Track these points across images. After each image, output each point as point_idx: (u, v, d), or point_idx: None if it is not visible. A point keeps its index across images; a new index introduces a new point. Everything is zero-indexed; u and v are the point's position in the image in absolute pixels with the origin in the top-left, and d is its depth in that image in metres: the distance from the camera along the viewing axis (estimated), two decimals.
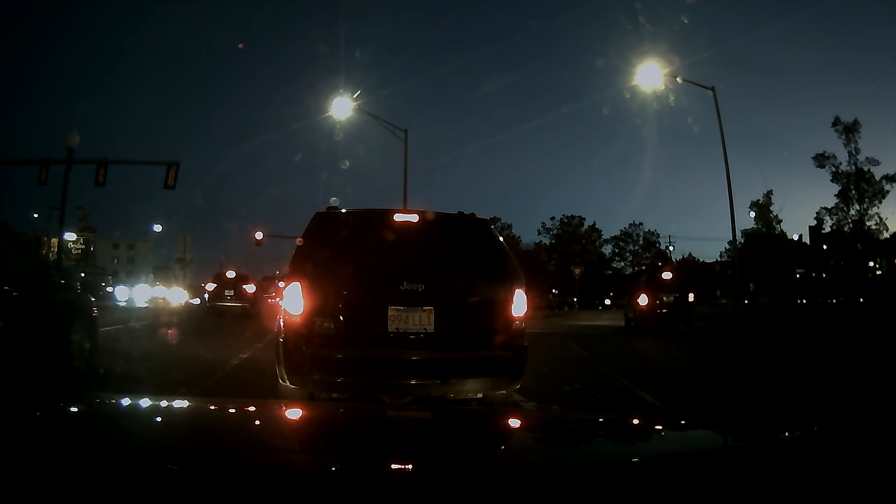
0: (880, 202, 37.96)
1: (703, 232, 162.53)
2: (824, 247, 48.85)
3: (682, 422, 2.23)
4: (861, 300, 35.41)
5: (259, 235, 39.85)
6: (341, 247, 4.98)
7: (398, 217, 5.09)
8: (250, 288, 23.36)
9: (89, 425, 1.67)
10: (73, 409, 1.88)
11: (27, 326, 5.92)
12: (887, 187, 37.62)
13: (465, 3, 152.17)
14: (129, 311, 25.26)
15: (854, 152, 37.77)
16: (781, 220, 44.82)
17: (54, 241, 34.66)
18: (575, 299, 60.65)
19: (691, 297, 18.01)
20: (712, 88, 21.74)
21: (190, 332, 12.18)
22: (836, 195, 39.08)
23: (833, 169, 38.37)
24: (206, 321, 18.54)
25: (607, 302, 67.99)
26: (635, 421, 2.31)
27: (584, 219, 78.19)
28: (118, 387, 6.68)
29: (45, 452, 1.21)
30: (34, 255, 6.91)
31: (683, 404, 6.49)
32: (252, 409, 2.26)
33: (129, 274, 73.32)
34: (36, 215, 46.12)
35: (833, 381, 8.24)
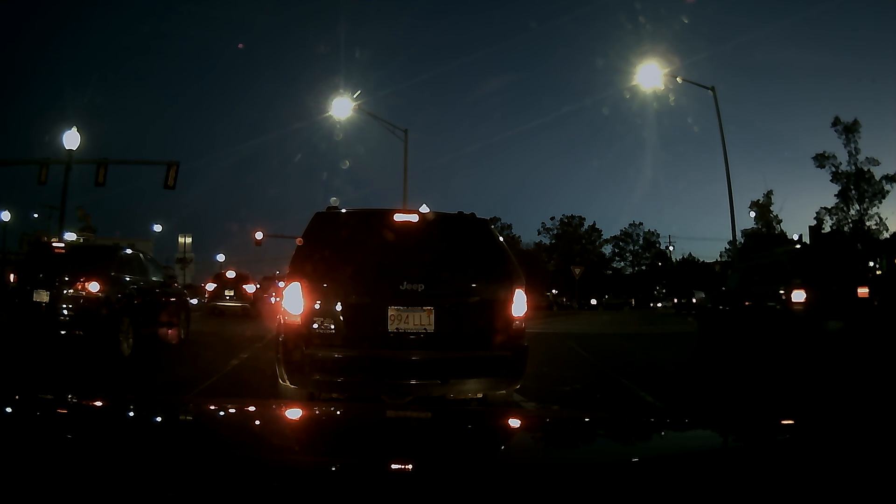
0: (880, 202, 37.95)
1: (703, 232, 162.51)
2: None
3: (682, 422, 2.23)
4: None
5: (259, 235, 39.93)
6: (341, 247, 4.98)
7: (398, 217, 5.09)
8: (250, 288, 23.34)
9: (89, 425, 1.67)
10: (74, 409, 1.88)
11: (163, 307, 11.00)
12: (887, 187, 37.61)
13: (464, 4, 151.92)
14: None
15: (854, 152, 37.77)
16: (781, 220, 44.93)
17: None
18: (564, 299, 61.04)
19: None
20: (712, 88, 21.73)
21: (188, 332, 12.24)
22: (836, 195, 39.08)
23: (833, 169, 38.36)
24: (205, 321, 18.54)
25: (593, 301, 68.48)
26: (635, 421, 2.31)
27: (584, 219, 78.39)
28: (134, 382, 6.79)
29: (46, 451, 1.21)
30: (162, 270, 12.41)
31: (683, 404, 6.49)
32: (252, 409, 2.27)
33: None
34: (36, 215, 46.16)
35: (833, 381, 8.24)
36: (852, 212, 38.64)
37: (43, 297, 8.71)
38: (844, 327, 10.23)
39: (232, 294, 22.85)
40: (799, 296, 10.52)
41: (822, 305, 10.41)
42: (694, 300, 37.22)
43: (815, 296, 10.45)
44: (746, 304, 12.09)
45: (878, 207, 38.06)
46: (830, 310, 10.36)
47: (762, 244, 43.84)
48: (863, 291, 10.67)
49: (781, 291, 10.78)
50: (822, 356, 10.05)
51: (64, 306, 8.63)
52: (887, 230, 39.04)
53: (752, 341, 11.47)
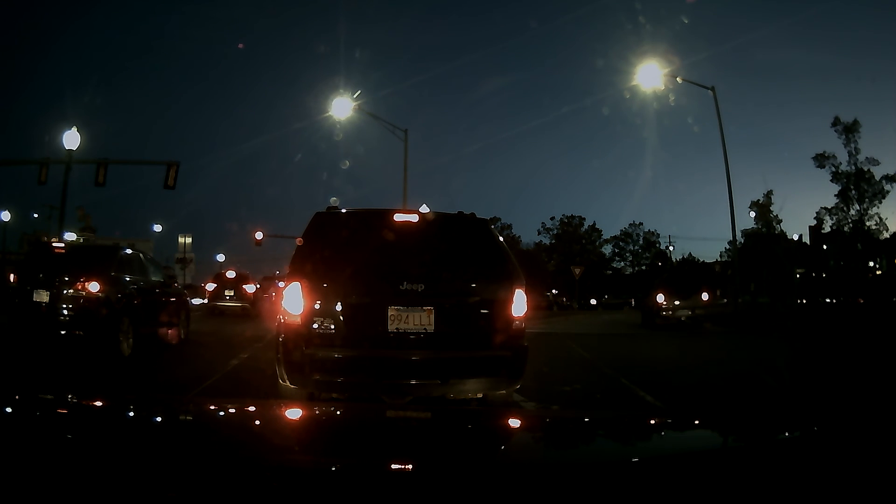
0: (880, 202, 37.86)
1: (703, 232, 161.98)
2: (824, 247, 48.79)
3: (682, 422, 2.23)
4: (861, 300, 35.43)
5: (259, 235, 39.92)
6: (341, 247, 4.98)
7: (398, 217, 5.09)
8: (250, 288, 23.33)
9: (89, 425, 1.67)
10: (74, 409, 1.88)
11: (163, 307, 10.98)
12: (887, 187, 37.50)
13: (464, 4, 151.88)
14: None
15: (854, 152, 37.66)
16: (781, 220, 44.71)
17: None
18: (564, 299, 61.17)
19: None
20: (712, 88, 21.76)
21: (188, 332, 12.24)
22: (836, 195, 38.98)
23: (833, 169, 38.26)
24: (205, 321, 18.54)
25: (593, 301, 68.63)
26: (635, 421, 2.31)
27: (584, 219, 78.33)
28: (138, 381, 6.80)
29: (46, 451, 1.21)
30: (162, 270, 12.41)
31: (683, 404, 6.49)
32: (252, 409, 2.27)
33: None
34: (36, 215, 46.16)
35: (833, 381, 8.24)
36: (852, 212, 38.57)
37: (43, 297, 8.73)
38: (691, 315, 19.03)
39: (232, 294, 22.83)
40: (660, 297, 19.82)
41: (674, 302, 19.48)
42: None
43: (669, 297, 19.52)
44: (648, 301, 21.41)
45: (878, 207, 37.99)
46: (682, 305, 19.34)
47: (762, 244, 43.89)
48: (705, 296, 19.54)
49: (653, 294, 20.37)
50: (677, 334, 17.02)
51: (64, 306, 8.64)
52: (887, 230, 39.01)
53: (649, 323, 20.43)
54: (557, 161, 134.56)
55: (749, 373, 9.42)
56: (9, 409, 1.74)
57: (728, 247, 49.81)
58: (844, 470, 1.26)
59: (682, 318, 19.00)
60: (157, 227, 56.65)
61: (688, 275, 28.07)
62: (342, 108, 23.47)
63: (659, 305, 19.57)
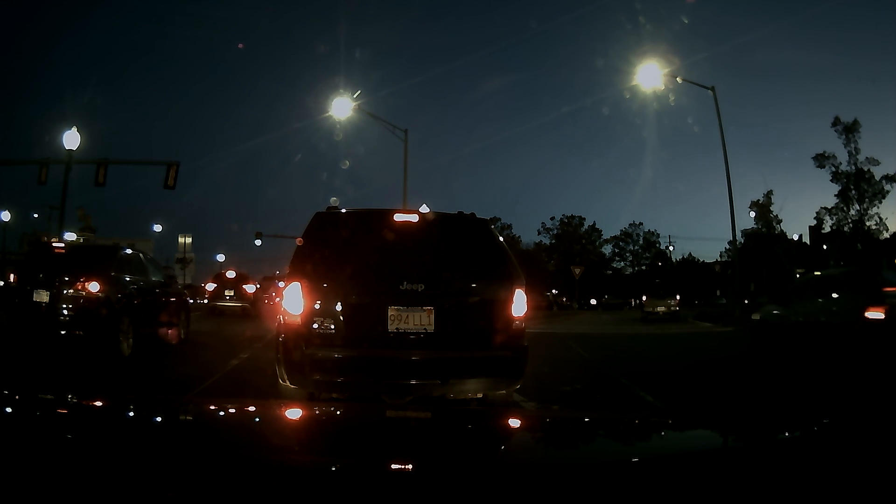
0: (880, 202, 37.85)
1: (703, 232, 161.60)
2: (824, 247, 48.77)
3: (682, 422, 2.23)
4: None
5: (259, 236, 39.96)
6: (341, 247, 4.98)
7: (398, 217, 5.09)
8: (250, 288, 23.34)
9: (89, 425, 1.67)
10: (74, 409, 1.88)
11: (163, 307, 11.02)
12: (887, 187, 37.49)
13: (464, 4, 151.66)
14: None
15: (854, 152, 37.64)
16: (781, 220, 44.70)
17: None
18: (564, 299, 61.35)
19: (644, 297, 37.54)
20: (712, 88, 21.77)
21: (188, 332, 12.25)
22: (836, 195, 38.99)
23: (833, 169, 38.25)
24: (205, 321, 18.53)
25: (593, 301, 68.67)
26: (635, 421, 2.31)
27: (584, 219, 78.46)
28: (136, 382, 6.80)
29: (46, 451, 1.21)
30: (162, 270, 12.52)
31: (683, 404, 6.49)
32: (252, 409, 2.27)
33: None
34: (36, 215, 46.17)
35: (833, 381, 8.23)
36: (852, 212, 38.57)
37: (43, 297, 8.74)
38: (666, 311, 29.86)
39: (232, 294, 22.82)
40: (645, 298, 33.11)
41: (654, 302, 30.92)
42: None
43: (650, 298, 31.76)
44: (640, 301, 38.00)
45: (878, 207, 37.98)
46: (660, 304, 30.41)
47: (762, 244, 43.90)
48: (677, 297, 31.81)
49: (642, 296, 36.17)
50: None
51: (64, 306, 8.65)
52: (887, 230, 39.01)
53: (642, 317, 30.63)
54: (557, 161, 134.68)
55: (747, 372, 9.43)
56: (9, 409, 1.74)
57: (728, 247, 49.91)
58: (845, 470, 1.26)
59: (660, 313, 29.53)
60: (157, 227, 56.63)
61: (665, 284, 48.96)
62: (342, 108, 23.45)
63: (644, 304, 32.11)
